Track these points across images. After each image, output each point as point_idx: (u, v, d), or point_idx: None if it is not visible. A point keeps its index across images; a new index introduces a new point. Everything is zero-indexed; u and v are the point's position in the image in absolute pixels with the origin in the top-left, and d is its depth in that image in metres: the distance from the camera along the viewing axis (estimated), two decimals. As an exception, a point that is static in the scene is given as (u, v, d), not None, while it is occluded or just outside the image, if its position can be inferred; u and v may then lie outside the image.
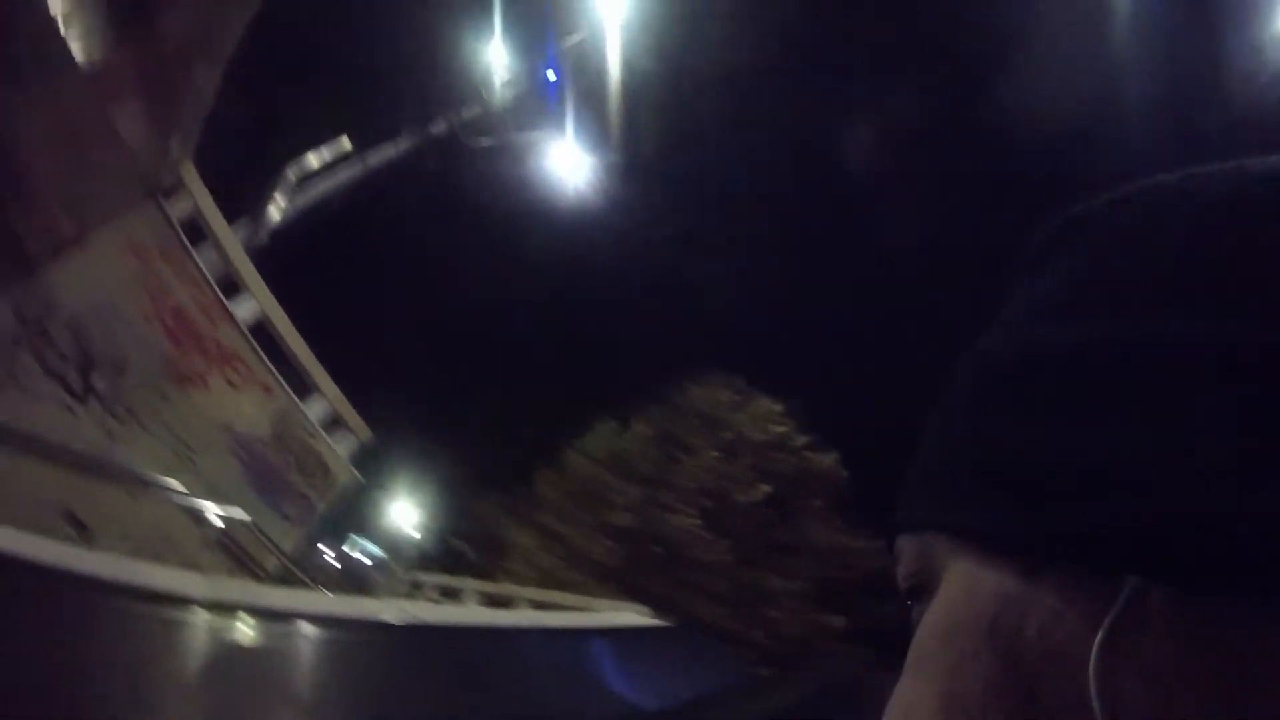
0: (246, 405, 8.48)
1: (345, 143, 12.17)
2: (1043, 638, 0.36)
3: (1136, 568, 0.33)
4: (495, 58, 14.12)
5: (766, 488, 15.87)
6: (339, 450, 9.51)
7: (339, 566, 17.09)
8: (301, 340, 9.34)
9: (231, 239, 9.01)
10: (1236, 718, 0.30)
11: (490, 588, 11.63)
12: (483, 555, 17.06)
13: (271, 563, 7.78)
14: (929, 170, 24.04)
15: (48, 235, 6.49)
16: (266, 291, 9.11)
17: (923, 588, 0.44)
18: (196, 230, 8.42)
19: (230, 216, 9.68)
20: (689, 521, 15.51)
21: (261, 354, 8.69)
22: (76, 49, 5.09)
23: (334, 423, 9.63)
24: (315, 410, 9.39)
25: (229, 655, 2.52)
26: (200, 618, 2.51)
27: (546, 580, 14.35)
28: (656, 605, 12.58)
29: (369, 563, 18.60)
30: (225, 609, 2.57)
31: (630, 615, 7.90)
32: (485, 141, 14.61)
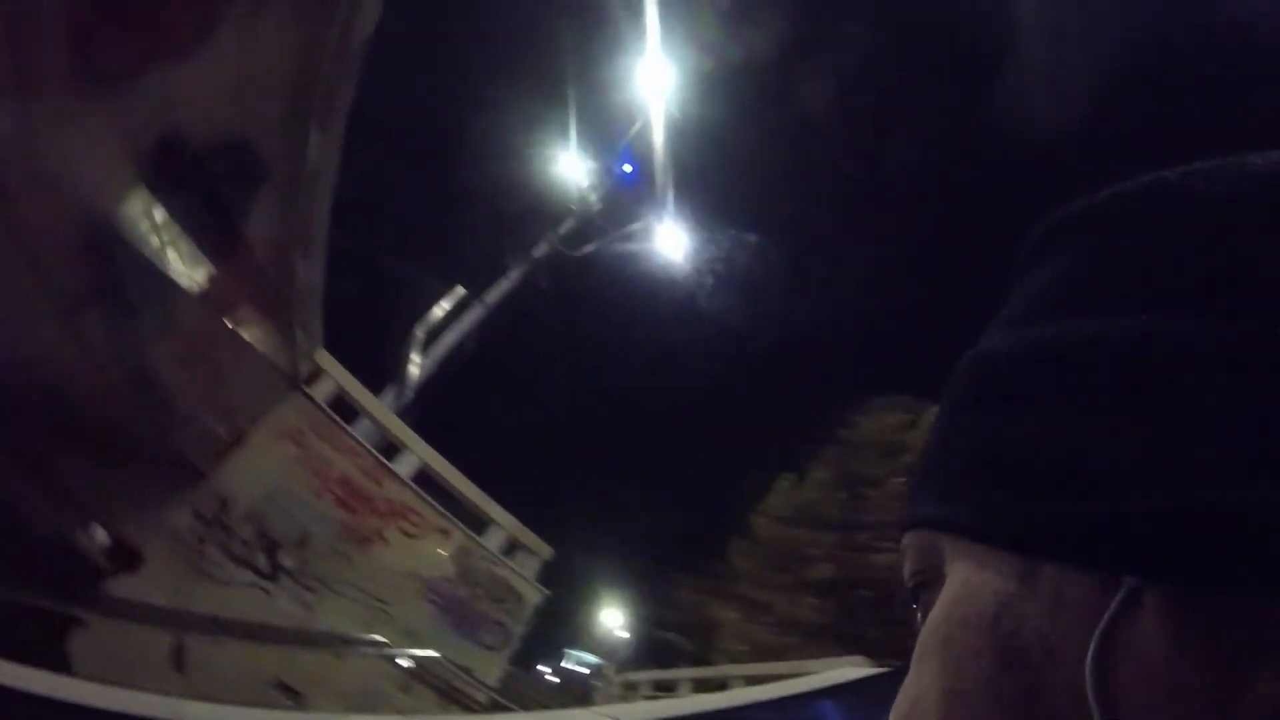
0: (427, 551, 9.02)
1: (460, 290, 13.03)
2: (1041, 635, 0.37)
3: (1132, 566, 0.34)
4: (574, 169, 14.87)
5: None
6: (524, 572, 9.92)
7: (558, 681, 17.45)
8: (465, 479, 9.91)
9: (378, 404, 9.79)
10: (1231, 712, 0.31)
11: (703, 673, 11.57)
12: (693, 640, 17.00)
13: (481, 694, 8.16)
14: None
15: (207, 444, 7.32)
16: (422, 443, 9.78)
17: (927, 585, 0.45)
18: (345, 405, 9.23)
19: (376, 385, 10.56)
20: (890, 556, 14.96)
21: (431, 501, 9.27)
22: (181, 277, 5.86)
23: (514, 547, 10.08)
24: (493, 540, 9.87)
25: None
26: None
27: (760, 651, 14.13)
28: (877, 650, 12.11)
29: (586, 672, 18.83)
30: None
31: (850, 669, 7.69)
32: (588, 248, 15.23)
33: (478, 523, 9.96)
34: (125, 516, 6.98)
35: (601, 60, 14.41)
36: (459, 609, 9.07)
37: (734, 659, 14.00)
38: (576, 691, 15.47)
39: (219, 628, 6.42)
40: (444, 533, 9.35)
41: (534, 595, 10.00)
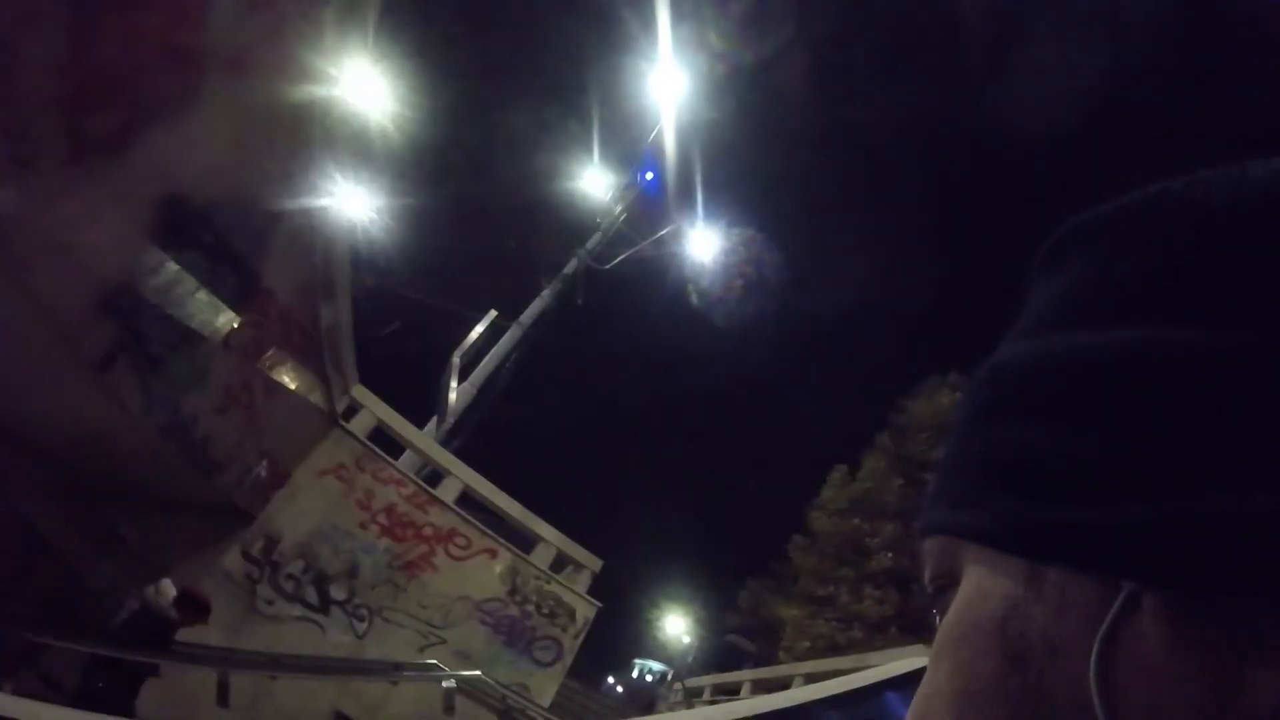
0: (476, 572, 9.16)
1: (494, 314, 13.19)
2: (1046, 637, 0.38)
3: (1131, 570, 0.35)
4: (597, 183, 14.95)
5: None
6: (575, 586, 9.98)
7: (624, 692, 17.44)
8: (510, 498, 10.03)
9: (417, 432, 9.97)
10: (1230, 709, 0.32)
11: (764, 673, 11.48)
12: (757, 641, 16.86)
13: (537, 711, 8.22)
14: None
15: (254, 488, 7.55)
16: (464, 466, 9.92)
17: (946, 588, 0.47)
18: (385, 436, 9.43)
19: (419, 414, 10.75)
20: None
21: (476, 523, 9.41)
22: (204, 327, 6.07)
23: (563, 563, 10.15)
24: (542, 557, 9.95)
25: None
26: None
27: (824, 647, 13.98)
28: None
29: (652, 680, 18.76)
30: None
31: (913, 659, 7.59)
32: (618, 260, 15.26)
33: (525, 541, 10.06)
34: (176, 562, 7.23)
35: (615, 71, 14.54)
36: (511, 627, 9.17)
37: (798, 657, 13.87)
38: (643, 701, 15.47)
39: (273, 664, 6.60)
40: (491, 553, 9.47)
41: (586, 609, 10.05)
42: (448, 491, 9.55)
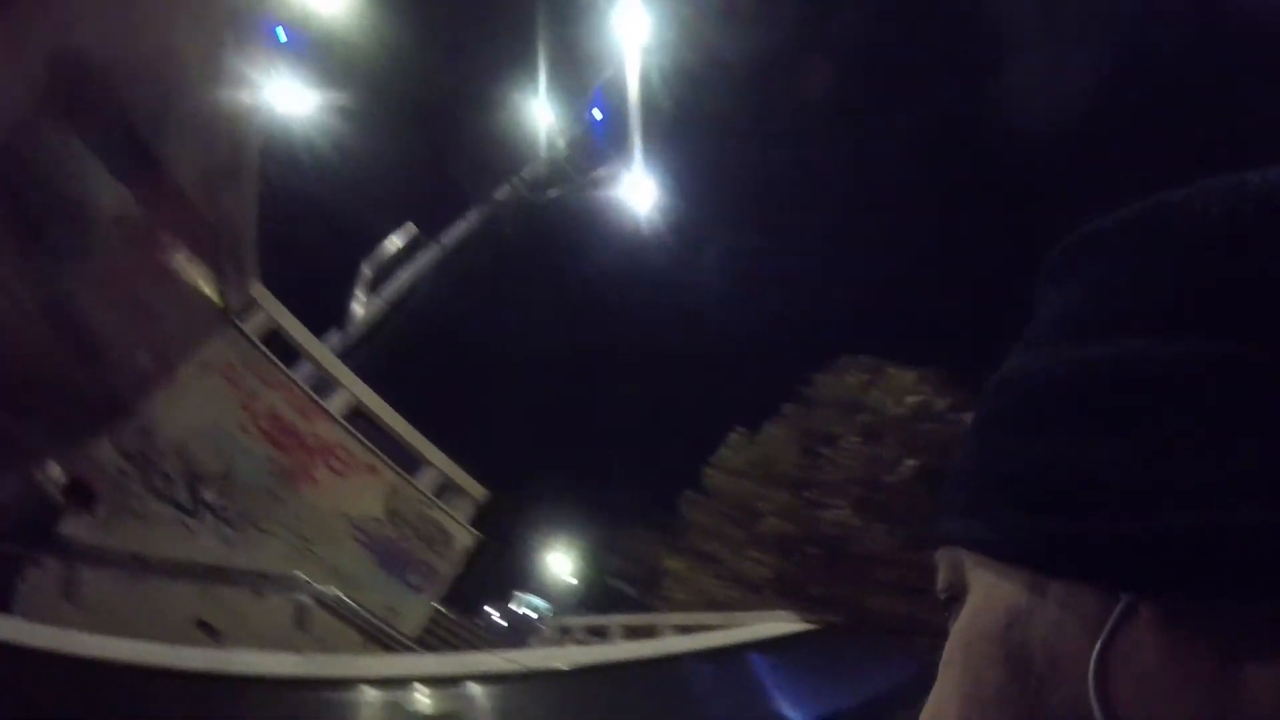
0: (356, 490, 8.98)
1: (413, 229, 12.81)
2: (1047, 646, 0.38)
3: (1128, 581, 0.36)
4: (542, 113, 14.53)
5: (914, 461, 15.15)
6: (457, 514, 9.90)
7: (505, 624, 17.60)
8: (400, 418, 9.83)
9: (313, 340, 9.64)
10: (1224, 714, 0.33)
11: (636, 619, 11.68)
12: (640, 588, 17.14)
13: (403, 634, 8.17)
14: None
15: (134, 379, 7.18)
16: (358, 380, 9.67)
17: (956, 598, 0.47)
18: (281, 340, 9.09)
19: (316, 321, 10.39)
20: (842, 514, 15.03)
21: (362, 439, 9.20)
22: (95, 205, 5.67)
23: (447, 489, 10.05)
24: (427, 481, 9.83)
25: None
26: (369, 696, 2.69)
27: (704, 602, 14.27)
28: (823, 607, 12.25)
29: (531, 615, 18.96)
30: (389, 684, 2.75)
31: (780, 624, 7.81)
32: (552, 193, 14.97)
33: (412, 464, 9.90)
34: (45, 452, 6.86)
35: (577, 5, 14.07)
36: (388, 549, 9.06)
37: (677, 608, 14.14)
38: (518, 636, 15.60)
39: (142, 564, 6.35)
40: (374, 471, 9.29)
41: (467, 538, 10.00)
42: (338, 405, 9.28)
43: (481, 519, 10.39)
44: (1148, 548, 0.35)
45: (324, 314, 11.12)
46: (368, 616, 7.72)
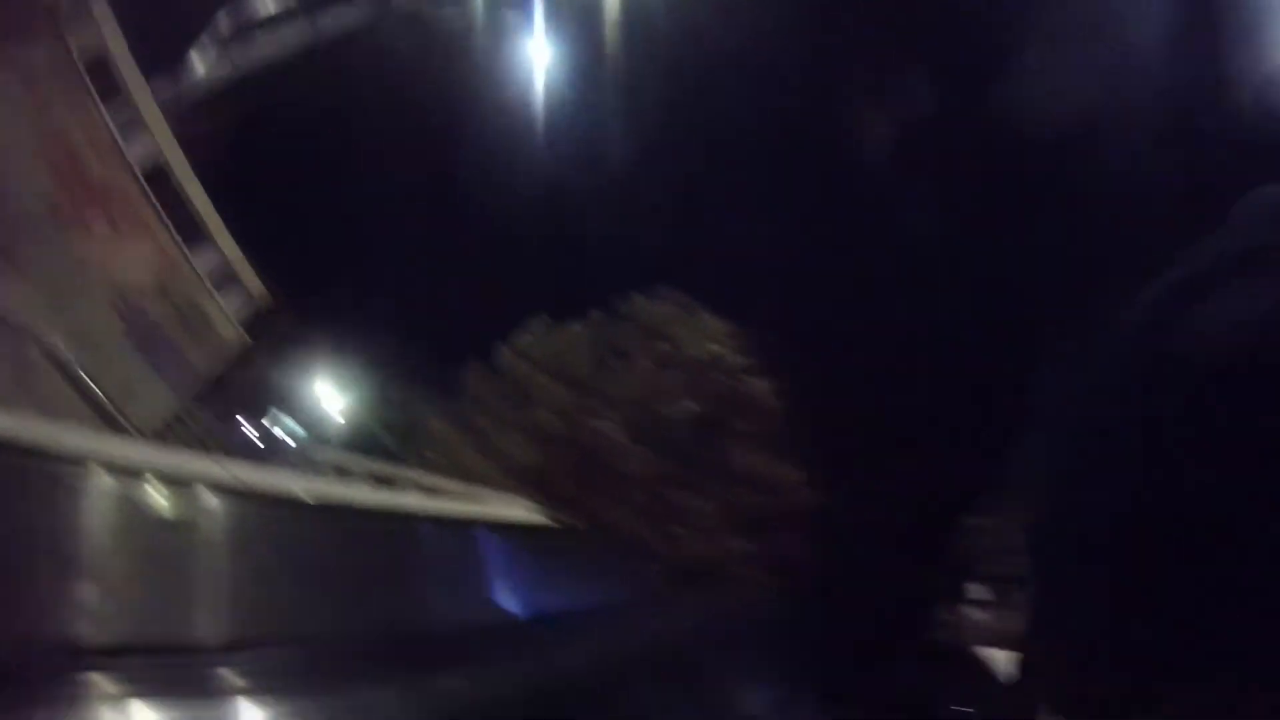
0: (129, 252, 8.05)
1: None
2: None
3: None
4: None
5: (694, 405, 15.71)
6: (232, 312, 9.20)
7: (255, 437, 16.88)
8: (202, 190, 8.89)
9: (138, 78, 8.50)
10: None
11: (385, 470, 11.55)
12: (400, 441, 16.92)
13: (143, 422, 7.58)
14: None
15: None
16: (170, 136, 8.63)
17: None
18: (104, 68, 7.94)
19: (151, 62, 9.13)
20: (612, 429, 15.40)
21: (154, 200, 8.24)
22: None
23: (230, 282, 9.29)
24: (207, 265, 9.01)
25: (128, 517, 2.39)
26: (93, 477, 2.35)
27: (459, 471, 14.29)
28: (567, 508, 12.55)
29: (286, 439, 18.35)
30: (117, 469, 2.41)
31: (521, 511, 7.83)
32: (453, 18, 13.86)
33: (198, 242, 9.02)
34: None
35: None
36: (144, 326, 8.24)
37: (430, 470, 14.11)
38: (265, 455, 15.04)
39: None
40: (153, 237, 8.38)
41: (234, 339, 9.35)
42: (139, 155, 8.26)
43: (256, 324, 9.71)
44: None
45: (162, 57, 9.78)
46: (104, 393, 7.06)
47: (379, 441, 18.75)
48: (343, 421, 23.74)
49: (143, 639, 2.10)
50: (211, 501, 2.85)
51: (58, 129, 7.42)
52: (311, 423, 22.60)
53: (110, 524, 2.22)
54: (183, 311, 8.70)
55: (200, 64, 10.64)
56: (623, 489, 16.12)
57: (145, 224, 8.28)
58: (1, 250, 7.02)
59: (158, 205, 8.35)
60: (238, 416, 18.41)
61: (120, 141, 8.00)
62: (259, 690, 2.32)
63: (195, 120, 10.38)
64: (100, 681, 1.81)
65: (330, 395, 24.23)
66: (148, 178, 8.32)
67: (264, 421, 21.21)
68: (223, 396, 10.55)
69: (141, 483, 2.51)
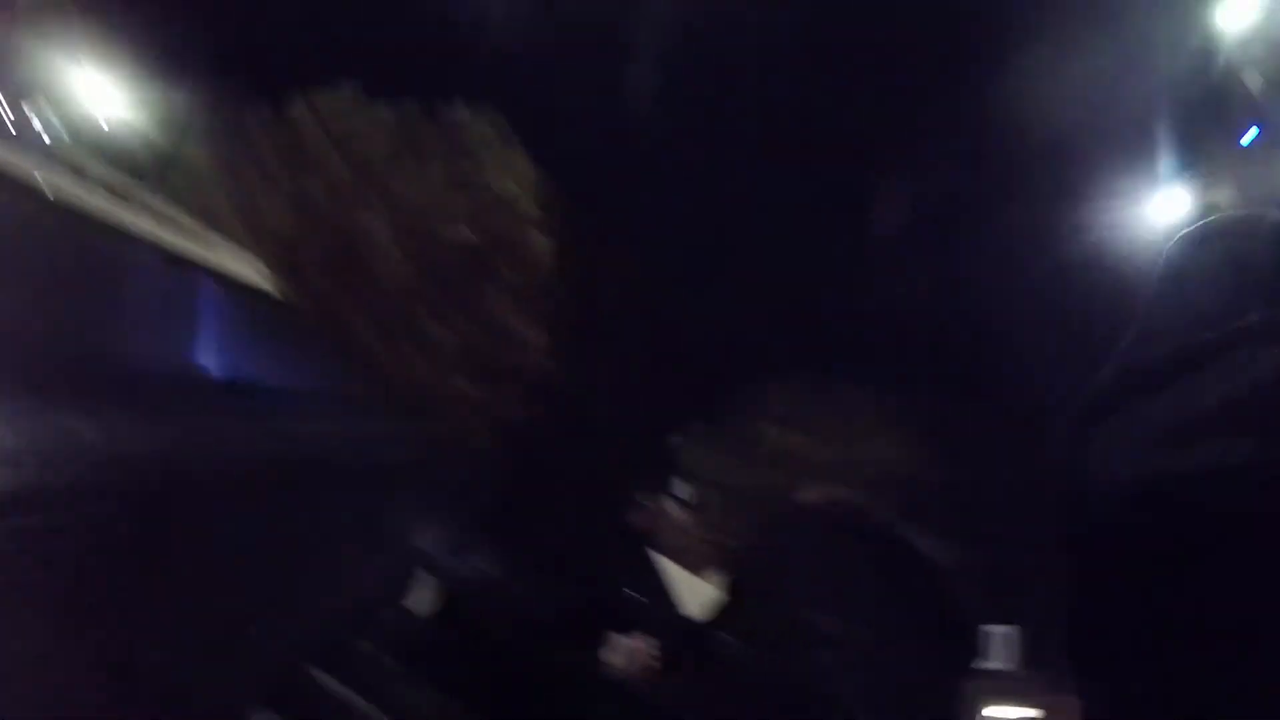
0: None
1: None
2: None
3: None
4: None
5: (471, 235, 14.94)
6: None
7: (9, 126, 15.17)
8: None
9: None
10: None
11: (128, 189, 10.55)
12: (157, 167, 15.67)
13: None
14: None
15: None
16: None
17: None
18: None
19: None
20: (381, 228, 14.53)
21: None
22: None
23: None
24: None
25: None
26: None
27: (202, 212, 13.26)
28: (305, 292, 11.77)
29: (42, 135, 16.65)
30: None
31: (253, 273, 7.88)
32: None
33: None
34: None
35: None
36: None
37: (170, 201, 13.04)
38: (15, 144, 13.53)
39: None
40: None
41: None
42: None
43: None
44: None
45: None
46: None
47: (135, 159, 17.27)
48: (104, 125, 21.92)
49: None
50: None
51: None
52: (71, 118, 20.70)
53: None
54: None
55: None
56: (369, 293, 15.30)
57: None
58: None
59: None
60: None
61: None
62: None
63: None
64: None
65: (103, 100, 22.22)
66: None
67: (24, 108, 19.25)
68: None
69: None
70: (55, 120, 17.94)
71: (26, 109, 17.31)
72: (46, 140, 16.14)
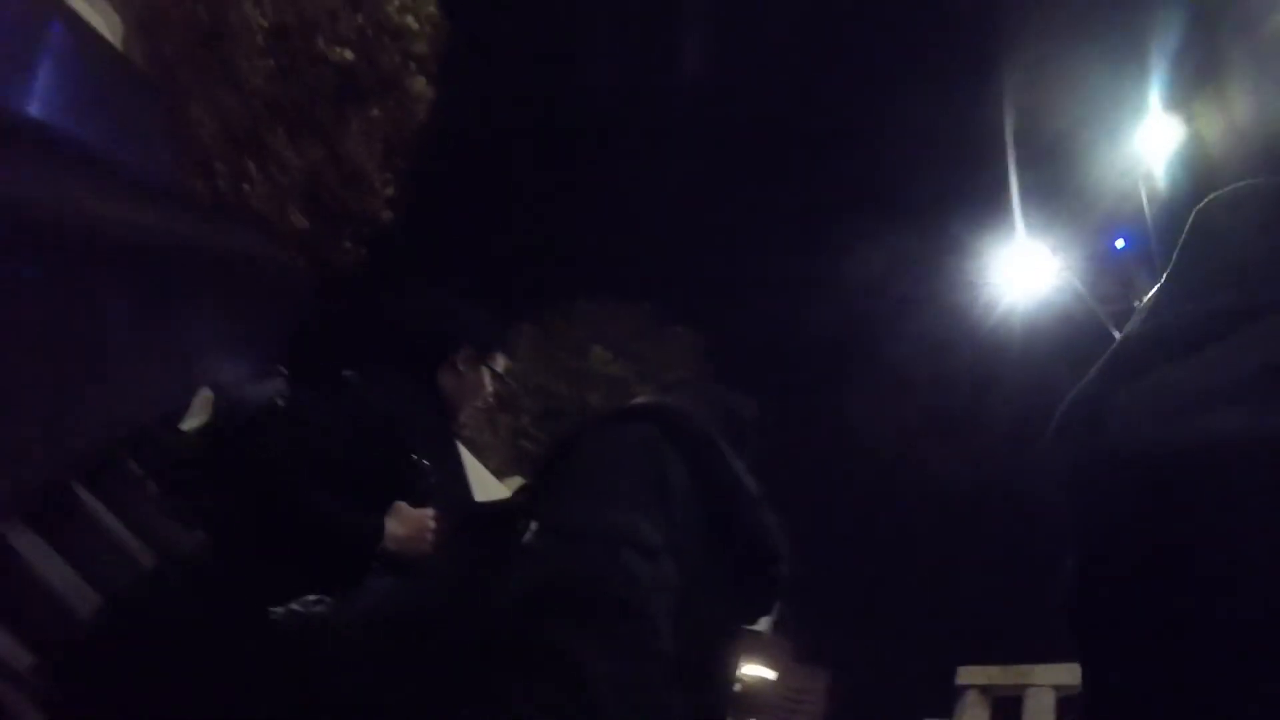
0: None
1: None
2: None
3: None
4: None
5: (349, 56, 13.79)
6: None
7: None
8: None
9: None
10: None
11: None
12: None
13: None
14: None
15: None
16: None
17: None
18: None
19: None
20: (259, 14, 13.15)
21: None
22: None
23: None
24: None
25: None
26: None
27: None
28: (158, 64, 10.67)
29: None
30: None
31: (99, 20, 7.23)
32: None
33: None
34: None
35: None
36: None
37: None
38: None
39: None
40: None
41: None
42: None
43: None
44: None
45: None
46: None
47: None
48: None
49: None
50: None
51: None
52: None
53: None
54: None
55: None
56: (226, 91, 13.66)
57: None
58: None
59: None
60: None
61: None
62: None
63: None
64: None
65: None
66: None
67: None
68: None
69: None
70: None
71: None
72: None
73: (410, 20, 14.39)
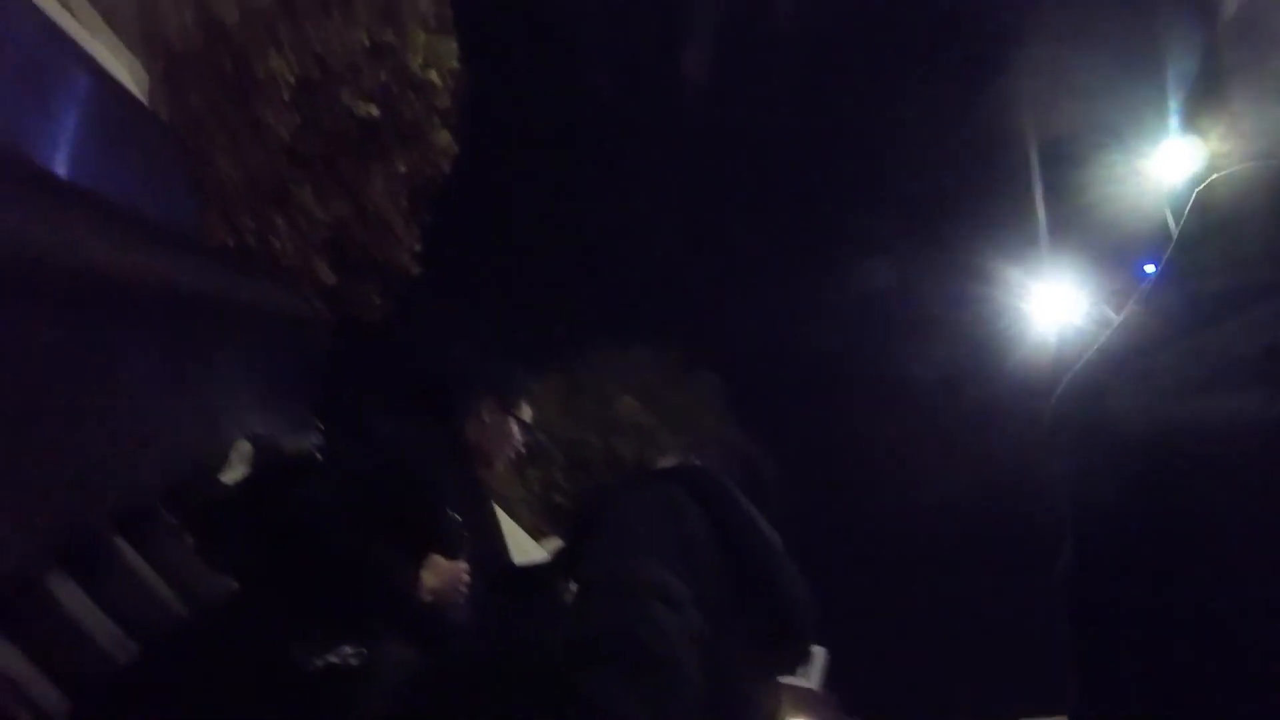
0: None
1: None
2: None
3: None
4: None
5: (375, 112, 14.09)
6: None
7: None
8: None
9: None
10: None
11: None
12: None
13: None
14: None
15: None
16: None
17: None
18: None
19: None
20: (286, 68, 13.46)
21: None
22: None
23: None
24: None
25: None
26: None
27: (78, 10, 12.02)
28: (179, 105, 10.88)
29: None
30: None
31: (124, 71, 7.15)
32: None
33: None
34: None
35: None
36: None
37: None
38: None
39: None
40: None
41: None
42: None
43: None
44: None
45: None
46: None
47: None
48: None
49: None
50: None
51: None
52: None
53: None
54: None
55: None
56: (252, 144, 13.87)
57: None
58: None
59: None
60: None
61: None
62: None
63: None
64: None
65: None
66: None
67: None
68: None
69: None
70: None
71: None
72: None
73: (433, 74, 14.69)
